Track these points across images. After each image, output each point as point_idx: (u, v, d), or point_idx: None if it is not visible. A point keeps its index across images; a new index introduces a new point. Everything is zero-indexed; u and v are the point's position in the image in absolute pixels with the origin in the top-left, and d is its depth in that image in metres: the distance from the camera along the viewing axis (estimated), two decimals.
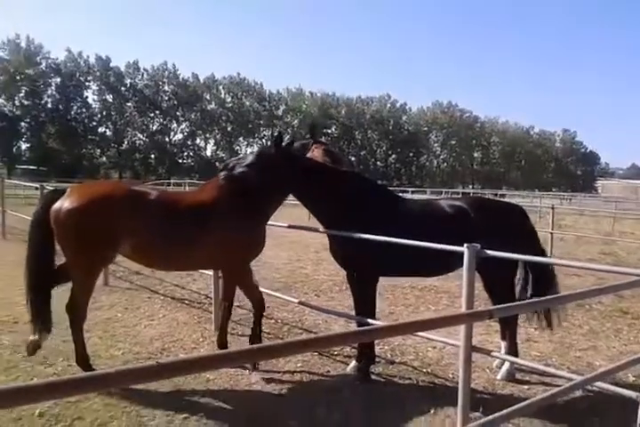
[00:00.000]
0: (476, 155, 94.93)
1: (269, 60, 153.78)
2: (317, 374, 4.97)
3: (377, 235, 4.48)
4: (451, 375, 5.00)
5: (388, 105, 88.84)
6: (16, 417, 3.85)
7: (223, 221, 4.69)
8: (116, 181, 5.36)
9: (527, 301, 2.83)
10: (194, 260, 4.86)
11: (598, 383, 3.45)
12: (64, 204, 4.38)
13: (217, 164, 44.18)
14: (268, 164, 4.77)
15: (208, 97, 78.38)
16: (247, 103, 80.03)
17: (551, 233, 12.97)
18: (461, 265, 3.76)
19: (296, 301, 5.80)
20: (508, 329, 5.14)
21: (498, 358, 4.23)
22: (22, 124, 67.00)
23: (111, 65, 71.48)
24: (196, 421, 3.98)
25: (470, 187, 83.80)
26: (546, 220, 13.87)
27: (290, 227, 5.77)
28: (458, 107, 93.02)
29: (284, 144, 4.87)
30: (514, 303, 2.36)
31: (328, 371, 5.05)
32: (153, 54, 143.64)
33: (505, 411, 3.01)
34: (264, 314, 6.88)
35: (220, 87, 79.58)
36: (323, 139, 6.45)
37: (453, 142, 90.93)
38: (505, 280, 5.06)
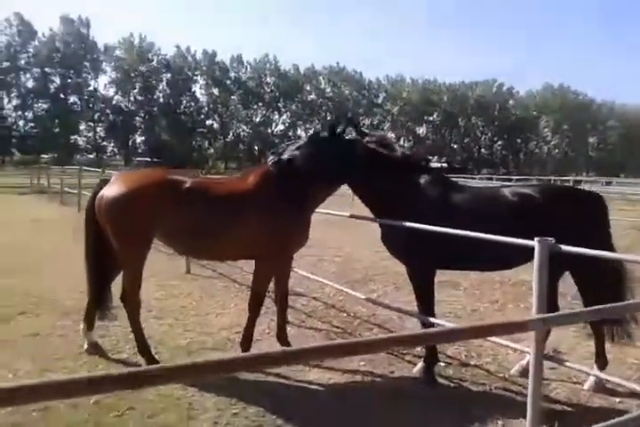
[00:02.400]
0: (591, 140, 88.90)
1: (369, 49, 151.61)
2: (380, 375, 4.67)
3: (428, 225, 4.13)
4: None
5: (494, 89, 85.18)
6: (72, 403, 3.89)
7: (263, 208, 4.52)
8: (160, 170, 5.32)
9: (594, 307, 2.37)
10: (229, 249, 4.71)
11: None
12: (105, 191, 4.54)
13: None
14: (320, 149, 4.52)
15: (308, 88, 79.22)
16: (346, 92, 79.96)
17: None
18: (526, 260, 3.32)
19: (363, 297, 5.51)
20: (598, 333, 4.55)
21: (572, 368, 3.72)
22: (137, 118, 71.29)
23: (216, 60, 74.06)
24: (246, 418, 3.84)
25: (584, 175, 78.48)
26: None
27: (352, 217, 5.49)
28: (571, 88, 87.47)
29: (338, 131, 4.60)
30: (575, 310, 1.94)
31: (392, 371, 4.74)
32: (251, 47, 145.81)
33: None
34: (337, 307, 6.75)
35: (320, 77, 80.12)
36: (373, 131, 5.87)
37: (566, 127, 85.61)
38: (597, 279, 4.47)
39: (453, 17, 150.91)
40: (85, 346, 4.94)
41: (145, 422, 3.76)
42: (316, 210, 5.14)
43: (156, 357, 4.82)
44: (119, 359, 4.89)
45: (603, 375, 3.79)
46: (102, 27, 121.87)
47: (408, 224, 4.32)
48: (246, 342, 4.81)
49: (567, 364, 3.59)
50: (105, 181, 4.78)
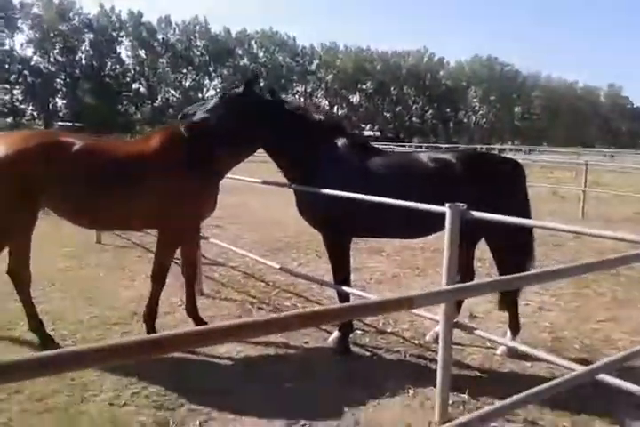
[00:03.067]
0: (516, 110, 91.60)
1: (301, 14, 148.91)
2: (294, 346, 4.49)
3: (344, 191, 3.91)
4: None
5: (426, 59, 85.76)
6: None
7: (166, 174, 4.14)
8: (39, 131, 4.80)
9: (493, 279, 2.23)
10: (127, 219, 4.33)
11: (603, 376, 2.84)
12: None
13: None
14: (232, 108, 4.17)
15: (240, 52, 77.04)
16: (280, 58, 78.40)
17: (583, 191, 12.09)
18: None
19: (277, 266, 5.28)
20: (509, 298, 4.54)
21: (481, 337, 3.66)
22: (57, 80, 67.28)
23: (143, 20, 70.56)
24: (146, 397, 3.58)
25: (509, 143, 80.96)
26: (583, 177, 12.90)
27: (264, 183, 5.21)
28: (498, 60, 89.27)
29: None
30: (441, 288, 1.73)
31: (307, 342, 4.57)
32: (182, 7, 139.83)
33: (482, 411, 2.48)
34: (256, 276, 6.52)
35: (253, 42, 78.02)
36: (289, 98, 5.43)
37: (493, 98, 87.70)
38: (509, 246, 4.43)
39: None
40: None
41: (32, 406, 3.43)
42: (228, 176, 4.82)
43: (53, 333, 4.45)
44: (11, 337, 4.48)
45: (511, 344, 3.75)
46: None
47: (321, 191, 4.09)
48: (150, 316, 4.49)
49: (477, 332, 3.50)
50: None
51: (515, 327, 4.54)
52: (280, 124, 4.32)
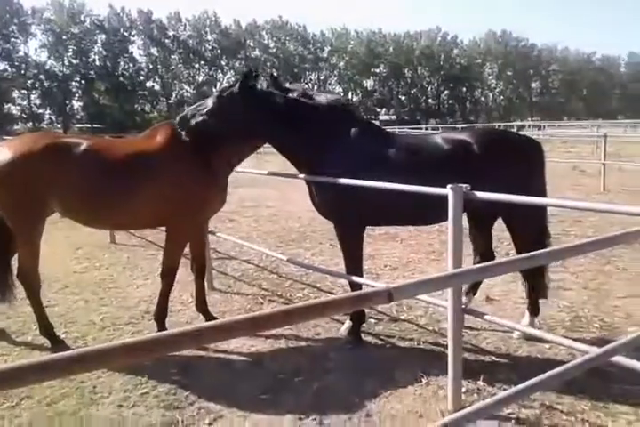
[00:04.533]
0: (534, 85, 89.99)
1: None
2: (305, 338, 4.42)
3: (358, 179, 3.78)
4: (465, 334, 4.32)
5: (439, 39, 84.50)
6: None
7: (171, 171, 4.10)
8: (44, 133, 4.78)
9: (485, 264, 2.11)
10: (135, 217, 4.27)
11: (618, 358, 2.71)
12: None
13: None
14: (229, 107, 4.06)
15: (252, 44, 76.86)
16: (291, 47, 77.96)
17: (603, 164, 11.76)
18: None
19: (285, 258, 5.20)
20: (528, 279, 4.40)
21: (491, 322, 3.53)
22: (73, 83, 67.93)
23: (153, 18, 70.72)
24: (155, 397, 3.54)
25: (529, 120, 79.55)
26: (606, 149, 12.56)
27: (270, 174, 5.12)
28: (513, 35, 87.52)
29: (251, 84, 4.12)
30: (425, 277, 1.61)
31: (318, 333, 4.50)
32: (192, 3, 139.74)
33: (495, 398, 2.39)
34: (269, 268, 6.46)
35: (263, 33, 77.74)
36: (292, 85, 5.19)
37: (509, 74, 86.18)
38: (524, 225, 4.28)
39: None
40: None
41: (42, 411, 3.42)
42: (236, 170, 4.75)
43: (64, 336, 4.46)
44: (24, 342, 4.50)
45: (523, 329, 3.61)
46: None
47: (330, 180, 3.98)
48: (161, 314, 4.46)
49: (486, 317, 3.37)
50: None
51: (534, 308, 4.41)
52: (281, 116, 4.16)
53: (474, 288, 4.81)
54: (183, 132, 4.14)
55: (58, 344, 4.27)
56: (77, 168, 4.00)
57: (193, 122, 4.10)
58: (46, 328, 4.32)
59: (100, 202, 4.10)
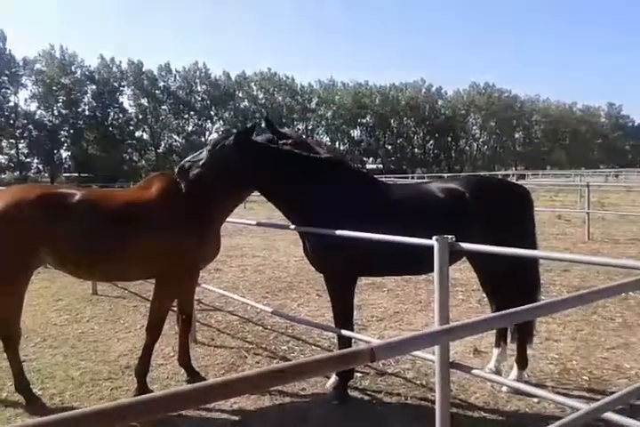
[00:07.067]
0: (517, 135, 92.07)
1: (297, 55, 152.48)
2: (290, 393, 4.29)
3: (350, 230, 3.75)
4: (454, 388, 4.23)
5: (423, 90, 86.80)
6: None
7: (164, 222, 4.08)
8: (34, 185, 4.77)
9: (482, 317, 2.07)
10: (127, 269, 4.23)
11: (609, 415, 2.65)
12: None
13: None
14: (225, 160, 4.09)
15: (240, 94, 78.34)
16: (280, 98, 79.61)
17: (587, 213, 11.91)
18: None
19: (269, 310, 5.13)
20: (518, 331, 4.37)
21: (480, 376, 3.47)
22: (62, 132, 68.40)
23: (144, 69, 72.19)
24: None
25: (513, 169, 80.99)
26: (589, 198, 12.75)
27: (259, 224, 5.12)
28: (496, 87, 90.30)
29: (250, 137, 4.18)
30: (407, 335, 1.56)
31: (304, 389, 4.38)
32: (184, 55, 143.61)
33: None
34: (254, 320, 6.35)
35: (252, 84, 79.42)
36: (289, 131, 5.30)
37: (493, 124, 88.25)
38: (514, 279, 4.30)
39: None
40: None
41: None
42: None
43: (41, 392, 4.30)
44: None
45: (513, 384, 3.55)
46: (19, 39, 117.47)
47: (321, 231, 3.96)
48: (142, 370, 4.31)
49: (474, 372, 3.30)
50: None
51: (522, 361, 4.35)
52: (276, 168, 4.16)
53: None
54: (183, 184, 4.15)
55: (33, 402, 4.11)
56: (72, 220, 3.97)
57: (192, 174, 4.11)
58: (21, 385, 4.16)
59: (96, 254, 4.05)
